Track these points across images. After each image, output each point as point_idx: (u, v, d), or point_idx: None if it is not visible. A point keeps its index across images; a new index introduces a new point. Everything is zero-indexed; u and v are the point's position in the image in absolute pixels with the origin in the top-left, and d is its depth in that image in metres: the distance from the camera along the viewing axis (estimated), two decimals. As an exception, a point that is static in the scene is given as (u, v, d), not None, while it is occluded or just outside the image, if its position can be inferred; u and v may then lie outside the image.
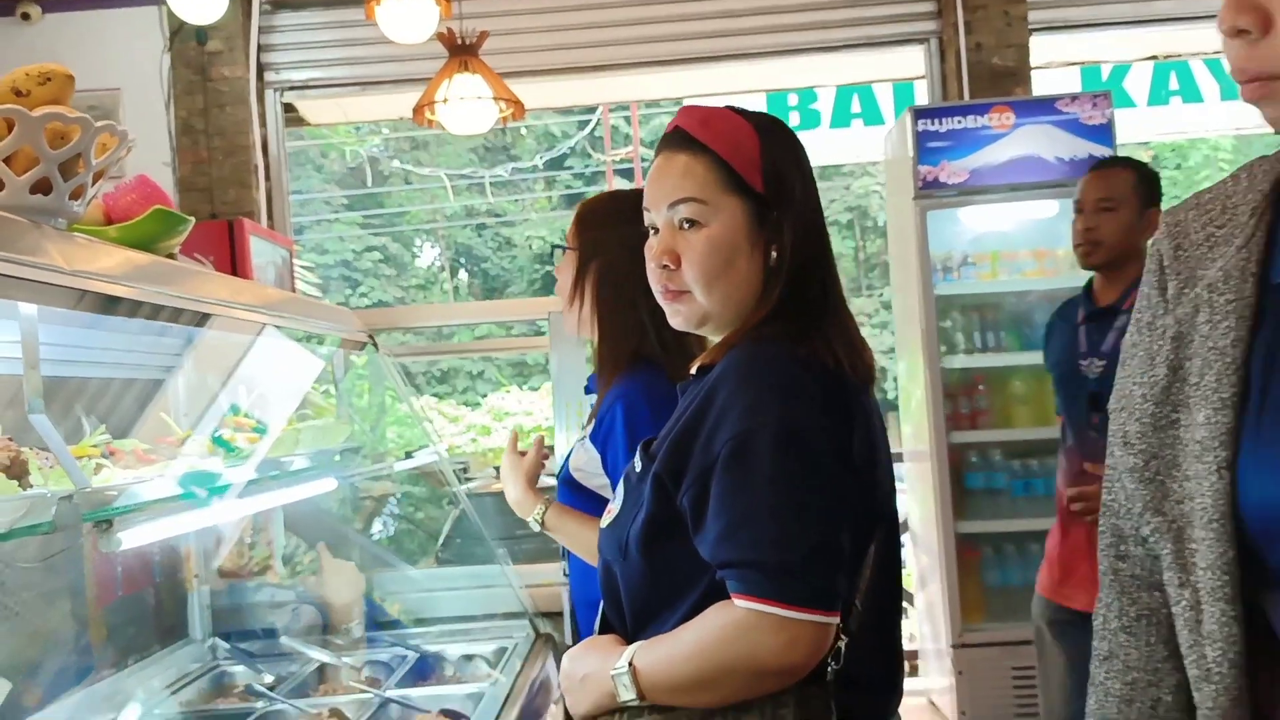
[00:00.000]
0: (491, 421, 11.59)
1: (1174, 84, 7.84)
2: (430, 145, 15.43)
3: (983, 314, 4.47)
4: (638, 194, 1.70)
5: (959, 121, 4.27)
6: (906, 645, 5.47)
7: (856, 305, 16.05)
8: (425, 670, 2.57)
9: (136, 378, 2.39)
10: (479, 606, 2.79)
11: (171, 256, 1.78)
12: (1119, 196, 2.80)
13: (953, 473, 4.24)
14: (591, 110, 12.94)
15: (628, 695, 1.49)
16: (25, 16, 4.60)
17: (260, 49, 4.66)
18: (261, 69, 4.68)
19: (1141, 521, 0.95)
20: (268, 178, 4.70)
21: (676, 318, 1.60)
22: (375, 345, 2.65)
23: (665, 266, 1.54)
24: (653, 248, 1.56)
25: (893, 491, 1.65)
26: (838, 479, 1.44)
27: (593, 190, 14.95)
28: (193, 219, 1.74)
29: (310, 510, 2.94)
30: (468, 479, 3.24)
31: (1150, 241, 1.06)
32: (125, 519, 1.45)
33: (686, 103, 8.60)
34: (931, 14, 4.81)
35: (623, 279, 1.97)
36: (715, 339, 1.60)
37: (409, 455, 2.93)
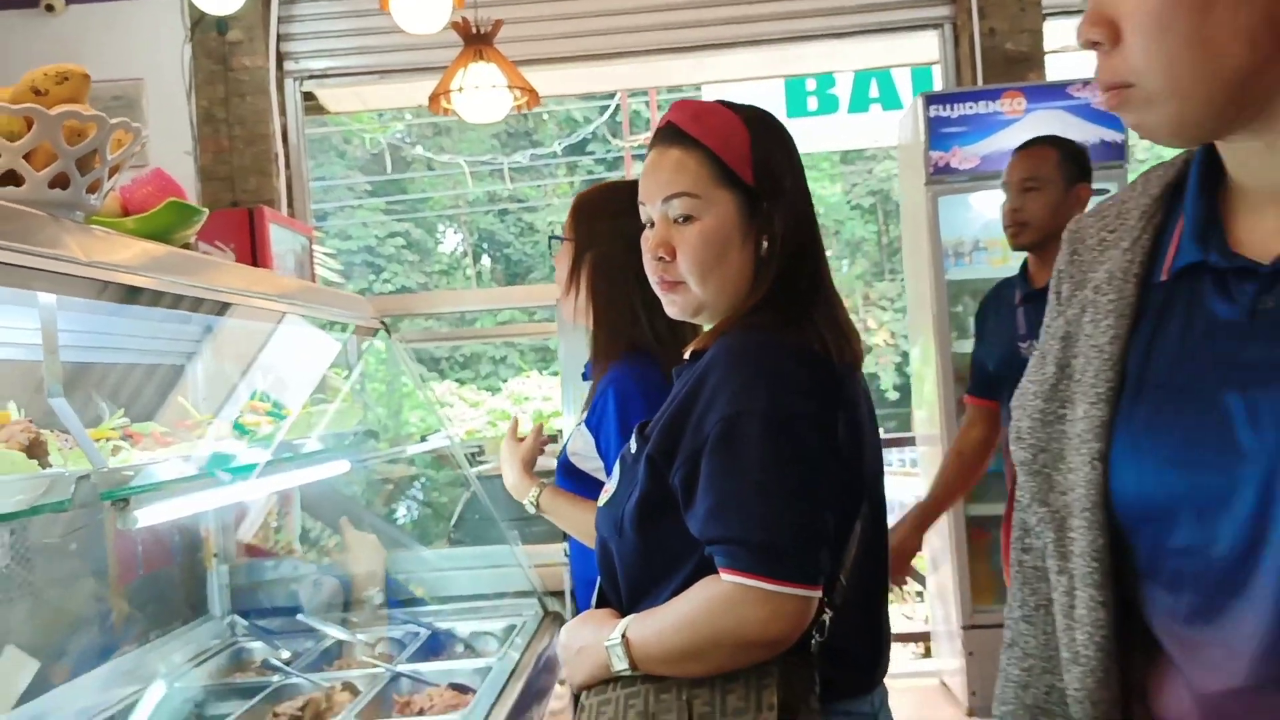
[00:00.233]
0: (511, 406, 11.68)
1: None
2: (453, 131, 15.49)
3: (994, 299, 4.48)
4: (632, 185, 1.76)
5: (970, 107, 4.29)
6: (919, 627, 5.54)
7: (879, 289, 16.01)
8: (436, 646, 2.63)
9: (156, 365, 2.46)
10: (489, 585, 2.85)
11: (187, 246, 1.85)
12: (1043, 176, 2.78)
13: (964, 456, 4.26)
14: (611, 95, 12.96)
15: (621, 665, 1.55)
16: (50, 8, 4.67)
17: (280, 38, 4.72)
18: (281, 58, 4.74)
19: (1030, 513, 0.99)
20: (288, 166, 4.77)
21: (673, 307, 1.66)
22: (388, 332, 2.72)
23: (661, 259, 1.60)
24: (649, 240, 1.61)
25: (880, 473, 1.71)
26: (822, 461, 1.50)
27: (614, 175, 14.98)
28: (207, 210, 1.81)
29: (327, 492, 3.01)
30: (481, 461, 3.30)
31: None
32: (141, 498, 1.52)
33: (705, 88, 8.61)
34: (945, -1, 4.83)
35: (618, 269, 2.03)
36: (709, 326, 1.66)
37: (423, 439, 3.00)
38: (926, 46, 5.04)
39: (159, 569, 2.61)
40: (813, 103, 8.35)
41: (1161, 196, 0.99)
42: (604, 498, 1.70)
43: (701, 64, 5.14)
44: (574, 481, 2.10)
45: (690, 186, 1.56)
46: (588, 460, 2.06)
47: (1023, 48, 4.70)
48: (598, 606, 1.69)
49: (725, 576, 1.49)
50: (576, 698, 1.68)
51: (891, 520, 2.01)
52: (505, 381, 14.02)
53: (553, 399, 11.52)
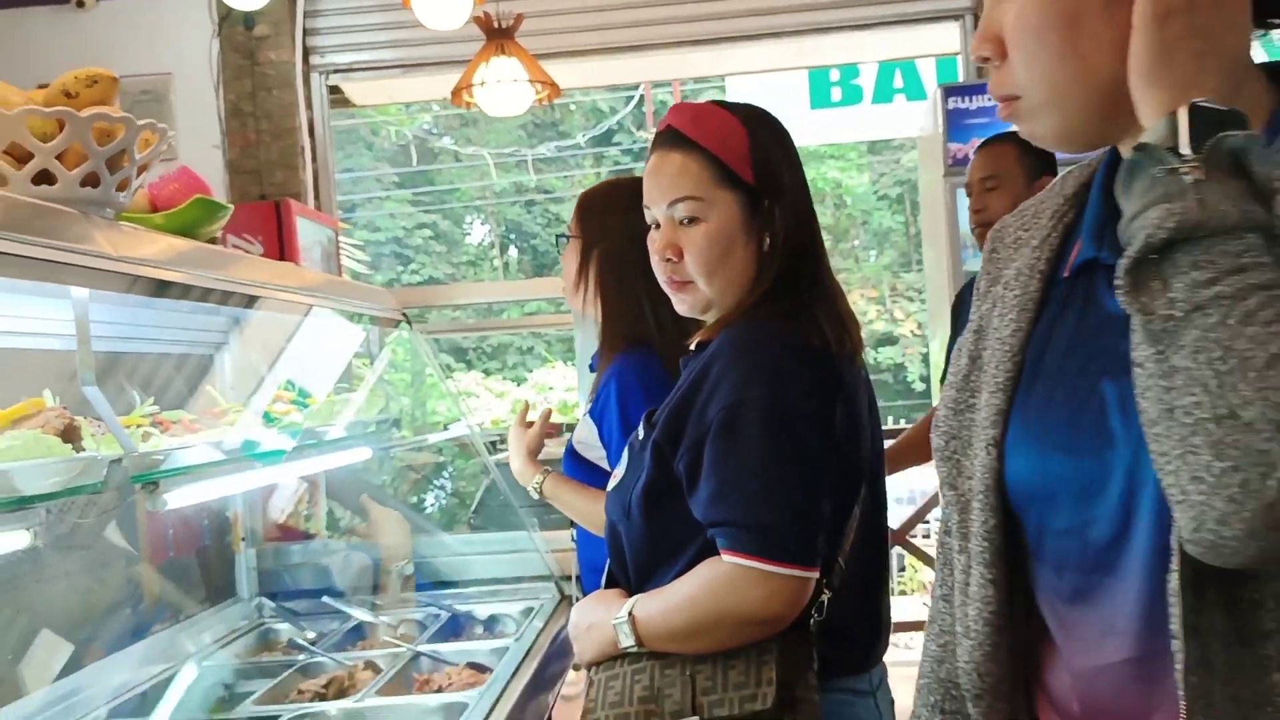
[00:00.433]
0: (536, 396, 11.77)
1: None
2: (479, 123, 15.56)
3: (1012, 289, 4.51)
4: (635, 182, 1.82)
5: (989, 99, 4.30)
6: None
7: (906, 280, 15.97)
8: (456, 628, 2.71)
9: (185, 355, 2.54)
10: (507, 570, 2.91)
11: (215, 240, 1.92)
12: (1003, 173, 2.77)
13: (980, 445, 4.30)
14: (635, 86, 13.00)
15: (628, 642, 1.62)
16: (80, 4, 4.74)
17: (306, 33, 4.78)
18: (307, 53, 4.81)
19: (943, 496, 1.05)
20: (314, 159, 4.83)
21: (682, 306, 1.73)
22: (409, 324, 2.78)
23: (669, 260, 1.66)
24: (655, 242, 1.68)
25: (880, 460, 1.76)
26: (819, 448, 1.55)
27: (640, 166, 15.00)
28: (232, 206, 1.88)
29: (350, 479, 3.09)
30: (501, 450, 3.37)
31: None
32: (170, 481, 1.60)
33: (728, 80, 8.61)
34: (965, -11, 4.84)
35: (624, 263, 2.09)
36: (714, 319, 1.72)
37: (445, 428, 3.07)
38: (948, 37, 5.05)
39: (188, 552, 2.70)
40: (836, 93, 8.37)
41: (1075, 196, 1.04)
42: (612, 483, 1.76)
43: (723, 56, 5.16)
44: (579, 469, 2.16)
45: (693, 190, 1.62)
46: (592, 449, 2.13)
47: (1043, 38, 4.70)
48: (607, 587, 1.76)
49: (726, 558, 1.55)
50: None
51: (893, 508, 2.06)
52: (531, 372, 14.12)
53: (575, 389, 11.60)
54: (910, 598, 8.34)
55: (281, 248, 3.83)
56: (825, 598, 1.58)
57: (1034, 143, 0.99)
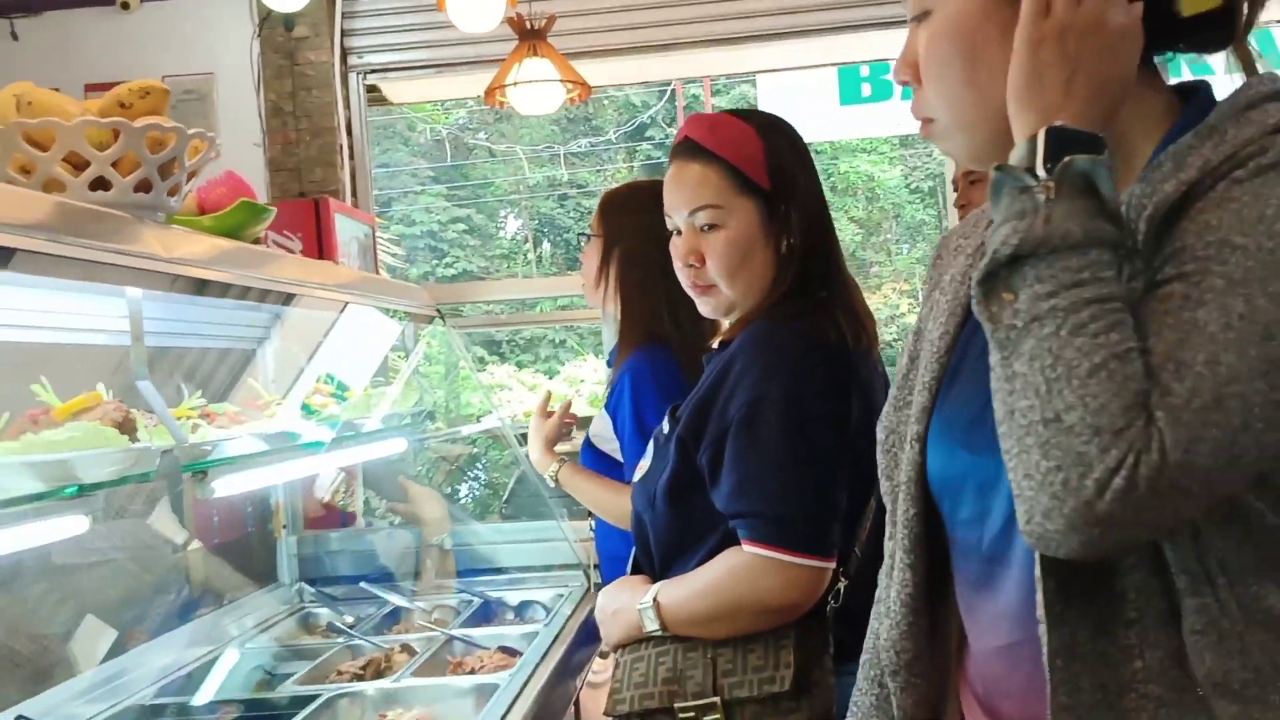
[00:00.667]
0: (567, 389, 11.84)
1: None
2: (513, 118, 15.62)
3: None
4: (655, 184, 1.89)
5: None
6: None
7: (938, 273, 15.88)
8: (488, 613, 2.78)
9: (227, 349, 2.63)
10: (538, 558, 2.98)
11: (257, 241, 2.00)
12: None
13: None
14: (667, 82, 13.02)
15: (652, 626, 1.69)
16: (125, 6, 4.84)
17: (344, 34, 4.87)
18: (345, 53, 4.90)
19: (880, 486, 1.12)
20: (351, 156, 4.92)
21: (706, 308, 1.80)
22: (443, 319, 2.87)
23: (691, 265, 1.73)
24: (678, 247, 1.74)
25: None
26: (835, 443, 1.62)
27: (672, 160, 14.98)
28: (275, 209, 1.96)
29: (386, 470, 3.18)
30: (533, 441, 3.44)
31: None
32: (217, 470, 1.69)
33: (759, 80, 8.61)
34: (993, -13, 4.85)
35: (642, 263, 2.16)
36: (734, 319, 1.79)
37: (478, 420, 3.15)
38: (975, 33, 5.06)
39: (233, 538, 2.80)
40: (866, 89, 8.38)
41: None
42: (638, 474, 1.83)
43: (754, 54, 5.19)
44: (595, 460, 2.24)
45: (713, 198, 1.68)
46: (607, 441, 2.20)
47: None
48: (632, 573, 1.83)
49: (746, 548, 1.62)
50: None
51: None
52: (563, 365, 14.19)
53: (605, 383, 11.63)
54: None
55: (320, 244, 3.93)
56: (842, 586, 1.65)
57: (952, 159, 1.07)
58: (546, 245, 17.43)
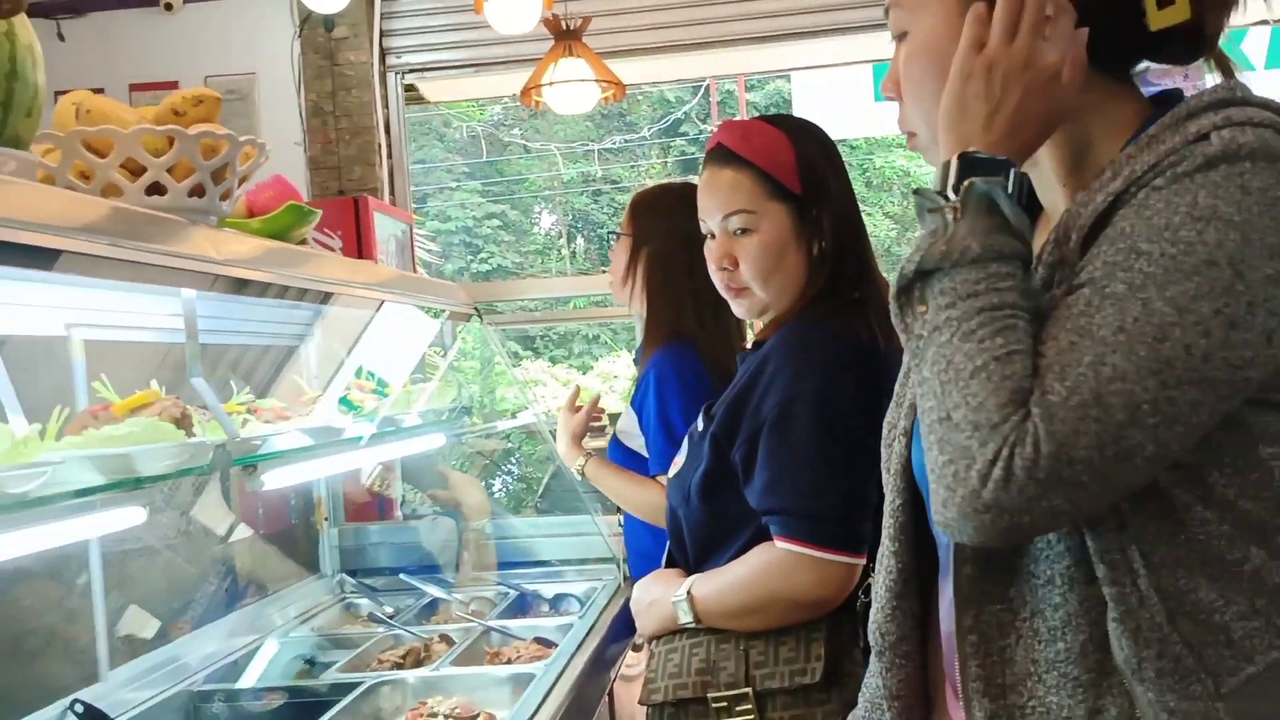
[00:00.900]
0: (600, 385, 11.90)
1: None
2: (548, 114, 15.68)
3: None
4: (684, 186, 1.94)
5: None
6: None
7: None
8: (524, 605, 2.84)
9: (268, 346, 2.69)
10: (572, 551, 3.04)
11: (303, 243, 2.06)
12: None
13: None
14: (702, 79, 13.03)
15: (686, 619, 1.74)
16: (168, 7, 4.91)
17: (382, 35, 4.93)
18: (384, 54, 4.96)
19: (883, 478, 1.17)
20: (389, 155, 4.98)
21: (740, 309, 1.84)
22: (481, 318, 2.92)
23: (725, 269, 1.78)
24: (712, 251, 1.79)
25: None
26: (866, 441, 1.65)
27: (706, 156, 14.98)
28: (320, 211, 2.02)
29: (425, 464, 3.24)
30: (568, 437, 3.49)
31: None
32: (266, 464, 1.75)
33: (794, 76, 8.58)
34: (1027, -15, 4.83)
35: (670, 262, 2.20)
36: (771, 319, 1.83)
37: (514, 415, 3.20)
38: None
39: (277, 530, 2.87)
40: (900, 86, 8.37)
41: None
42: (673, 470, 1.88)
43: (788, 52, 5.21)
44: (621, 455, 2.29)
45: (745, 204, 1.72)
46: (633, 438, 2.25)
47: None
48: (666, 566, 1.88)
49: (779, 544, 1.66)
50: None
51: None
52: (597, 360, 14.25)
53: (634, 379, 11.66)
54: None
55: (359, 242, 4.00)
56: (872, 581, 1.68)
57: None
58: (580, 241, 17.49)
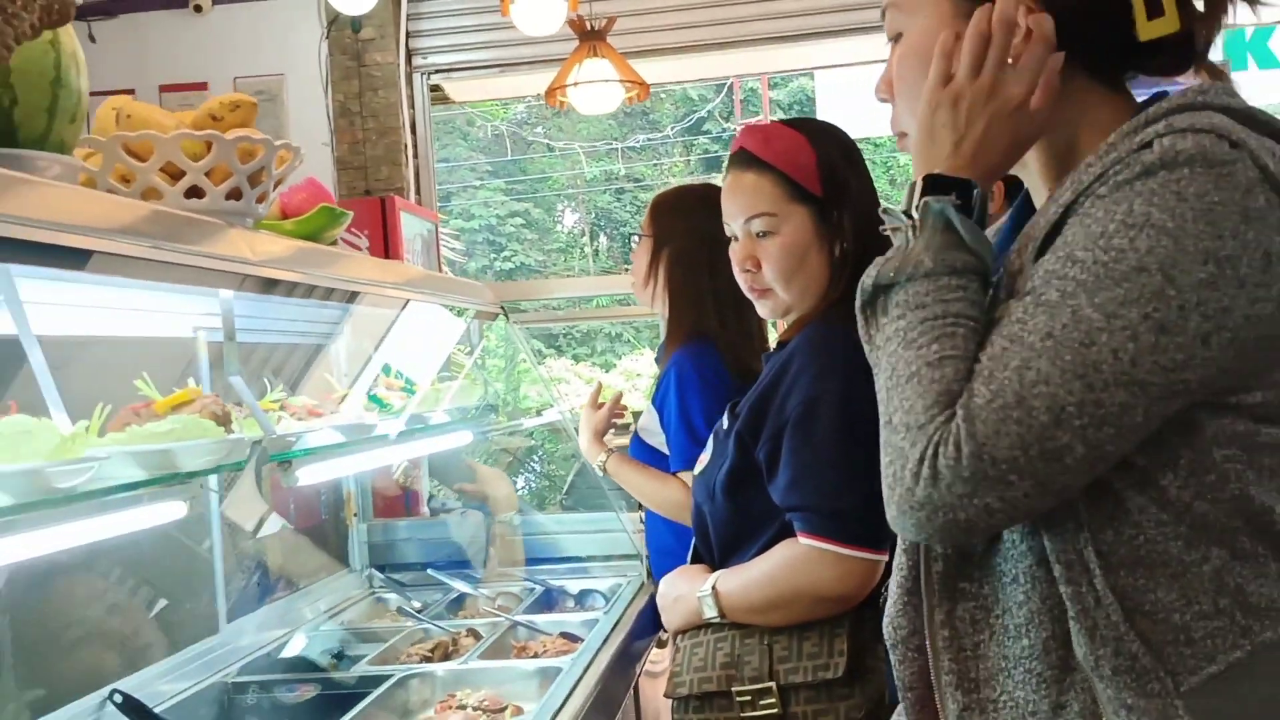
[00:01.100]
0: (623, 383, 11.93)
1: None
2: (571, 114, 15.70)
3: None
4: (705, 187, 1.97)
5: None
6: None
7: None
8: (549, 601, 2.88)
9: (295, 344, 2.73)
10: (597, 548, 3.07)
11: (333, 244, 2.10)
12: None
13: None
14: (726, 77, 13.03)
15: (711, 613, 1.77)
16: (197, 9, 4.96)
17: (408, 36, 4.97)
18: (410, 54, 5.00)
19: None
20: (415, 155, 5.02)
21: (763, 310, 1.87)
22: (506, 316, 2.96)
23: (748, 270, 1.81)
24: (736, 253, 1.82)
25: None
26: (887, 438, 1.69)
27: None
28: (351, 213, 2.06)
29: (453, 461, 3.28)
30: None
31: None
32: (301, 460, 1.79)
33: (817, 74, 8.57)
34: (1052, -16, 4.83)
35: (690, 263, 2.23)
36: (794, 320, 1.86)
37: (539, 413, 3.24)
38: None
39: (307, 525, 2.91)
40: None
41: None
42: (698, 467, 1.91)
43: (811, 51, 5.22)
44: (642, 452, 2.32)
45: (767, 207, 1.75)
46: (653, 435, 2.28)
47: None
48: (692, 562, 1.91)
49: (802, 540, 1.69)
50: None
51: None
52: (620, 358, 14.28)
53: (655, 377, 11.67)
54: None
55: (386, 241, 4.04)
56: (892, 576, 1.71)
57: None
58: (603, 239, 17.51)
